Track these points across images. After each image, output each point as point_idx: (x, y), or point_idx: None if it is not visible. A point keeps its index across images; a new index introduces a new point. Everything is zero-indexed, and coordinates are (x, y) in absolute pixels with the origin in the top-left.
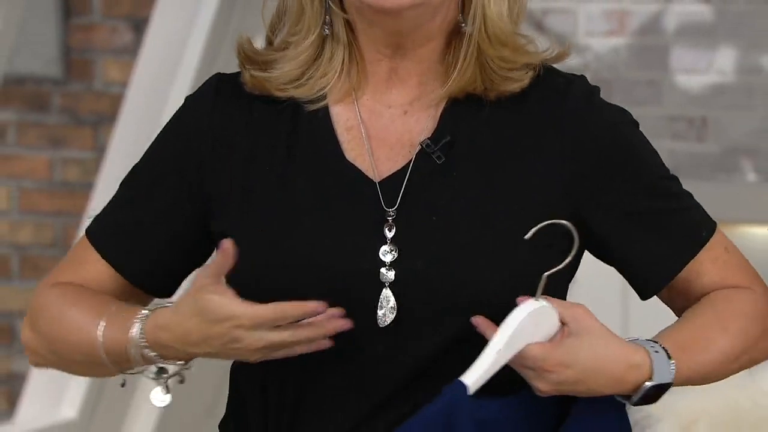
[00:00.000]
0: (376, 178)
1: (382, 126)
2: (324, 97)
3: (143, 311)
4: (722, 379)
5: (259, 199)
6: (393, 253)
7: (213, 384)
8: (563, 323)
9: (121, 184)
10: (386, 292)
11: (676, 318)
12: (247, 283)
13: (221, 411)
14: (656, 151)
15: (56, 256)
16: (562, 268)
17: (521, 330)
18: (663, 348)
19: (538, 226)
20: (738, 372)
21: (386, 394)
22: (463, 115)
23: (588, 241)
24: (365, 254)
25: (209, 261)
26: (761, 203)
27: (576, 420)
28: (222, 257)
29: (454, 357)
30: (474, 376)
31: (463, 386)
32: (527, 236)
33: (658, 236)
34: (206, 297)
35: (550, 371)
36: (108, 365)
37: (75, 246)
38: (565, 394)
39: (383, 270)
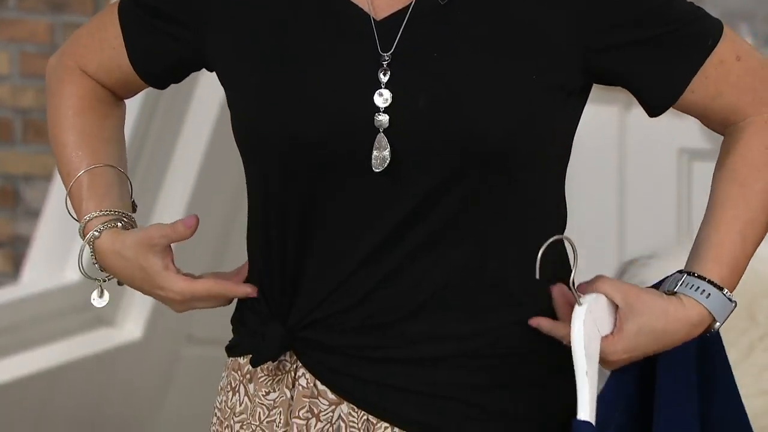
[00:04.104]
0: (376, 17)
1: None
2: None
3: (110, 212)
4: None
5: (260, 40)
6: (387, 97)
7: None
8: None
9: None
10: (380, 137)
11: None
12: (248, 121)
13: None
14: None
15: None
16: (575, 265)
17: (590, 340)
18: (711, 284)
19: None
20: None
21: (388, 235)
22: None
23: (597, 79)
24: (359, 99)
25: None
26: None
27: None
28: (183, 230)
29: (455, 196)
30: (587, 409)
31: (587, 424)
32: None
33: (665, 56)
34: (151, 261)
35: (616, 361)
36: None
37: (103, 14)
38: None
39: (378, 115)
